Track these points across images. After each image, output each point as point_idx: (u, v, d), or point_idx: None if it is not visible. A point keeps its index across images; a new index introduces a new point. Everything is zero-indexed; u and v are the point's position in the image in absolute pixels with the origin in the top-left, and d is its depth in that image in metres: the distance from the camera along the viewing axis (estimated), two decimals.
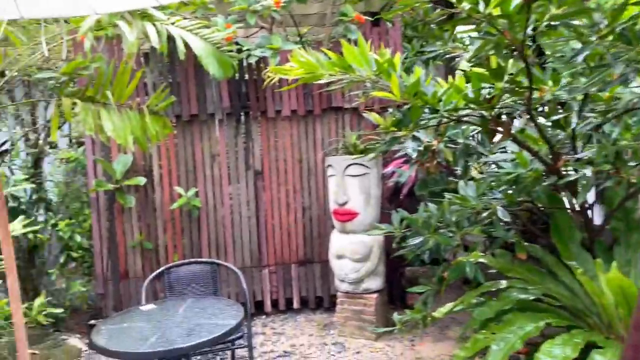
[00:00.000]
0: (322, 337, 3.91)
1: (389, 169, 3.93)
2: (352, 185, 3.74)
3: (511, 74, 2.38)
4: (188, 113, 4.19)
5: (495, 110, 2.53)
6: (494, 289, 2.87)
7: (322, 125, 4.35)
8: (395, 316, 2.88)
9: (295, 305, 4.45)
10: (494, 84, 2.46)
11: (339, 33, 4.31)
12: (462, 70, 4.09)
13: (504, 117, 2.92)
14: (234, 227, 4.36)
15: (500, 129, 2.68)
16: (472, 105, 2.49)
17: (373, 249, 3.78)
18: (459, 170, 3.36)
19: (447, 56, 4.09)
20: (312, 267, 4.45)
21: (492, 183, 2.83)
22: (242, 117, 4.30)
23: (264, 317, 4.41)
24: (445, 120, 2.58)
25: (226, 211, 4.33)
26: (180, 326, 2.22)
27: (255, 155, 4.32)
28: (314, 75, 2.73)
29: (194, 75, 4.17)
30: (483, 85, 2.45)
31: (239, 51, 4.01)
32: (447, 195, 2.84)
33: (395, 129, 2.61)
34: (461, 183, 2.92)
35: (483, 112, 2.51)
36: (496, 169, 3.12)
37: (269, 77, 3.46)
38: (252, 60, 3.96)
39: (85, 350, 3.82)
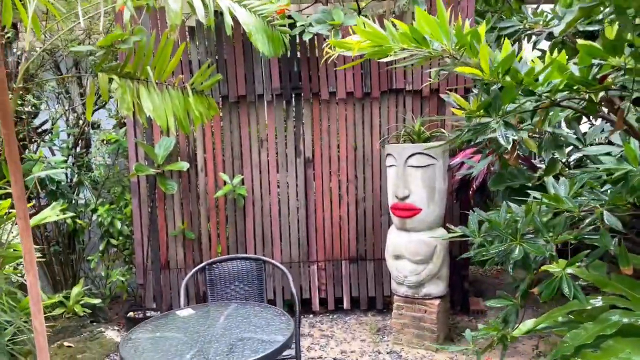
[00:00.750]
0: (375, 344, 3.56)
1: (457, 159, 3.50)
2: (414, 178, 3.34)
3: (632, 46, 1.91)
4: (235, 94, 3.89)
5: (609, 92, 2.07)
6: (588, 307, 2.43)
7: (381, 109, 3.95)
8: (468, 334, 2.49)
9: (345, 305, 4.12)
10: (605, 60, 2.00)
11: (402, 6, 3.88)
12: (541, 51, 3.60)
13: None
14: (281, 218, 4.06)
15: (612, 115, 2.22)
16: (576, 87, 2.04)
17: (436, 250, 3.39)
18: (543, 163, 2.90)
19: (527, 32, 3.61)
20: (364, 264, 4.10)
21: (591, 181, 2.37)
22: (293, 99, 3.96)
23: (311, 316, 4.11)
24: (543, 103, 2.14)
25: (273, 201, 4.02)
26: (221, 340, 1.92)
27: (306, 140, 3.98)
28: (381, 49, 2.34)
29: (242, 53, 3.85)
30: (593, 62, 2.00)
31: (292, 26, 3.66)
32: (533, 193, 2.41)
33: (483, 114, 2.19)
34: (550, 179, 2.47)
35: (592, 94, 2.05)
36: (592, 165, 2.65)
37: (327, 53, 3.09)
38: (307, 38, 3.59)
39: None
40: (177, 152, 3.96)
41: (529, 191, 2.53)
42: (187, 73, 3.82)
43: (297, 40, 3.82)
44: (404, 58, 2.38)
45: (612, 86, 1.97)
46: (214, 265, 3.04)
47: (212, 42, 3.87)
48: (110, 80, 2.70)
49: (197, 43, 3.86)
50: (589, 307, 2.44)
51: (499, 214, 2.52)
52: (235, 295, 2.98)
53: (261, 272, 3.07)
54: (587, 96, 2.10)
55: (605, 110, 2.29)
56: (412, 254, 3.39)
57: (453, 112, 2.86)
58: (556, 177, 2.68)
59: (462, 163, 3.51)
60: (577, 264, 2.26)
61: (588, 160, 2.83)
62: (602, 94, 2.19)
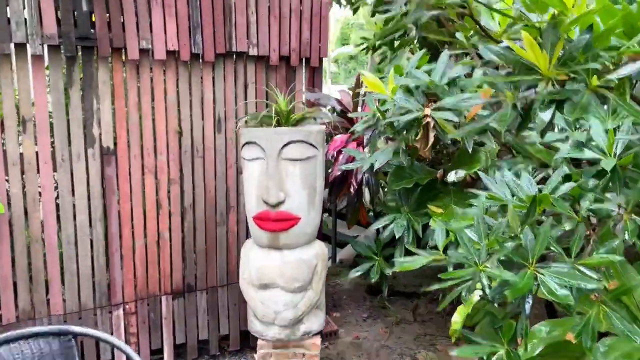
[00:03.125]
0: None
1: (331, 149, 2.76)
2: (292, 175, 2.44)
3: None
4: None
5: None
6: None
7: (215, 80, 2.89)
8: None
9: (167, 357, 2.95)
10: None
11: None
12: None
13: None
14: (63, 243, 2.63)
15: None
16: None
17: (317, 270, 2.58)
18: (464, 154, 2.40)
19: None
20: (193, 298, 3.00)
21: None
22: (80, 56, 2.56)
23: None
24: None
25: (48, 218, 2.56)
26: None
27: (103, 122, 2.63)
28: None
29: None
30: None
31: None
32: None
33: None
34: (508, 176, 1.93)
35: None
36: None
37: None
38: None
39: None
40: None
41: (474, 192, 1.97)
42: None
43: None
44: None
45: None
46: None
47: None
48: None
49: None
50: None
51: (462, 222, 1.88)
52: None
53: (71, 352, 1.75)
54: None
55: None
56: (288, 280, 2.50)
57: (367, 86, 2.10)
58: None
59: (339, 153, 2.78)
60: None
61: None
62: None
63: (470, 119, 1.93)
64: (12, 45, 2.36)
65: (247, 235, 3.10)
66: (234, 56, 2.91)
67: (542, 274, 1.54)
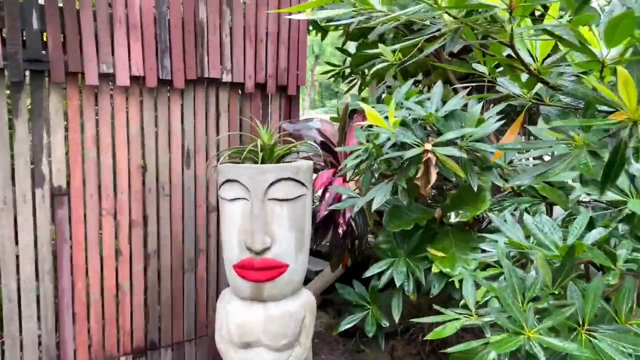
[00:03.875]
0: None
1: (319, 187, 2.52)
2: (278, 217, 2.17)
3: None
4: None
5: None
6: None
7: (184, 108, 2.60)
8: None
9: None
10: None
11: None
12: None
13: None
14: (3, 302, 2.21)
15: None
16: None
17: (305, 323, 2.31)
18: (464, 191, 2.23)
19: None
20: (157, 356, 2.63)
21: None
22: (29, 81, 2.21)
23: None
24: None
25: None
26: None
27: (54, 157, 2.27)
28: None
29: None
30: None
31: None
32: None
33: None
34: (529, 219, 1.76)
35: None
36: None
37: None
38: None
39: None
40: None
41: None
42: None
43: None
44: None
45: None
46: None
47: None
48: None
49: None
50: None
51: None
52: None
53: None
54: None
55: None
56: (274, 337, 2.21)
57: (367, 120, 1.91)
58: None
59: (325, 190, 2.55)
60: None
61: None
62: None
63: (496, 158, 1.75)
64: None
65: (218, 282, 2.79)
66: (205, 83, 2.64)
67: (595, 338, 1.37)
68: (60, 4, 2.18)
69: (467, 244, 2.24)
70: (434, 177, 2.09)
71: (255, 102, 2.80)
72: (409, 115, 2.24)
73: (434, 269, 2.18)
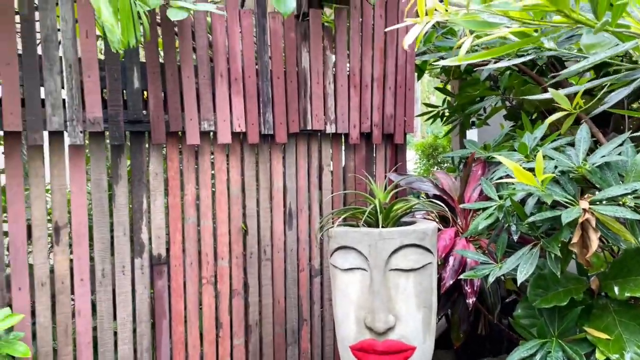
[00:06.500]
0: None
1: (442, 251, 2.21)
2: (403, 291, 1.89)
3: None
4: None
5: None
6: None
7: (288, 163, 2.41)
8: None
9: None
10: None
11: None
12: None
13: None
14: None
15: None
16: None
17: None
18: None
19: None
20: None
21: None
22: (128, 143, 2.09)
23: None
24: None
25: (84, 353, 1.99)
26: None
27: (153, 223, 2.12)
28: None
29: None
30: None
31: None
32: None
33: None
34: None
35: None
36: None
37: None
38: (178, 16, 1.83)
39: None
40: None
41: None
42: None
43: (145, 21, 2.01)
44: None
45: None
46: None
47: None
48: None
49: None
50: None
51: None
52: None
53: None
54: None
55: None
56: None
57: (516, 176, 1.61)
58: None
59: (448, 254, 2.24)
60: None
61: None
62: None
63: None
64: (45, 134, 1.89)
65: (322, 356, 2.52)
66: (307, 134, 2.44)
67: None
68: (161, 60, 2.07)
69: (637, 323, 1.85)
70: (595, 243, 1.74)
71: (359, 153, 2.57)
72: (555, 167, 1.91)
73: (598, 356, 1.80)
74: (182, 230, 2.17)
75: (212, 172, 2.24)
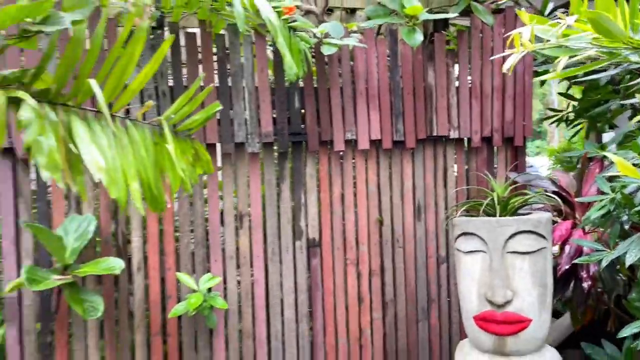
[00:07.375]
0: None
1: (558, 240, 2.50)
2: (519, 271, 2.23)
3: None
4: (201, 140, 2.49)
5: None
6: None
7: (415, 165, 2.84)
8: None
9: None
10: None
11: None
12: None
13: None
14: (271, 340, 2.64)
15: None
16: None
17: None
18: None
19: None
20: None
21: None
22: (290, 151, 2.68)
23: None
24: None
25: (259, 313, 2.60)
26: None
27: (309, 214, 2.69)
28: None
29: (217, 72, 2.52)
30: None
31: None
32: None
33: None
34: None
35: None
36: None
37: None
38: (329, 51, 2.38)
39: None
40: (96, 239, 2.39)
41: None
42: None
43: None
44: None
45: None
46: None
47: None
48: (14, 103, 1.24)
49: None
50: None
51: None
52: None
53: None
54: None
55: None
56: None
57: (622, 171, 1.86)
58: None
59: (564, 243, 2.51)
60: None
61: None
62: None
63: None
64: (232, 145, 2.53)
65: (450, 333, 2.89)
66: (433, 140, 2.85)
67: None
68: (315, 85, 2.63)
69: None
70: None
71: (481, 155, 2.92)
72: None
73: None
74: (331, 220, 2.70)
75: (354, 173, 2.75)
